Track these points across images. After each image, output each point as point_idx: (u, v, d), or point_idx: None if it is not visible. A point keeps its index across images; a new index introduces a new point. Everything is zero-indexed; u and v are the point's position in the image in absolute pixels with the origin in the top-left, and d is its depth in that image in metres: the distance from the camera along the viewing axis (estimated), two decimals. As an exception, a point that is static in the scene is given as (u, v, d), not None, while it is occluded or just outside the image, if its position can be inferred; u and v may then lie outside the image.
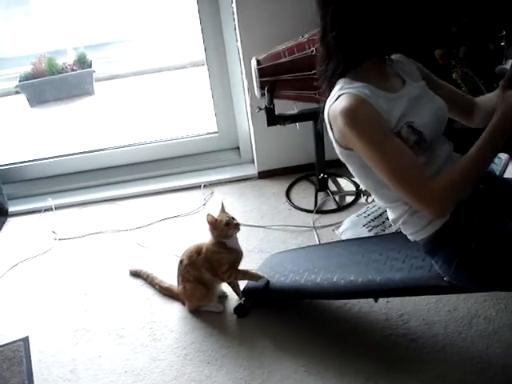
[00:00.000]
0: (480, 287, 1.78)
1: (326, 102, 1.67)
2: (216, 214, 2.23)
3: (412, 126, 1.58)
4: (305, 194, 3.07)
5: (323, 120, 1.69)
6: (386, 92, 1.61)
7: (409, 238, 1.77)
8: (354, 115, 1.53)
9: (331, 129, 1.65)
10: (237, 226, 2.22)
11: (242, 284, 2.33)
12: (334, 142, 1.67)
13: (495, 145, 1.54)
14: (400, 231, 2.47)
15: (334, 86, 1.64)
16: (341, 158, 1.71)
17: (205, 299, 2.30)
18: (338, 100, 1.58)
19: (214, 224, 2.18)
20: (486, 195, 1.69)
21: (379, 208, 2.69)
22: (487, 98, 1.81)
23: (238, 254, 2.26)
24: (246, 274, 2.28)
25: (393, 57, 1.75)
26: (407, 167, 1.54)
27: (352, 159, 1.67)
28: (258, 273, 2.27)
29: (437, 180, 1.54)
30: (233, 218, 2.22)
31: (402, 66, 1.75)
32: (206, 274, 2.25)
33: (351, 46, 1.59)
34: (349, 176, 3.12)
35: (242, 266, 2.29)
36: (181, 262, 2.31)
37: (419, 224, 1.69)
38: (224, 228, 2.18)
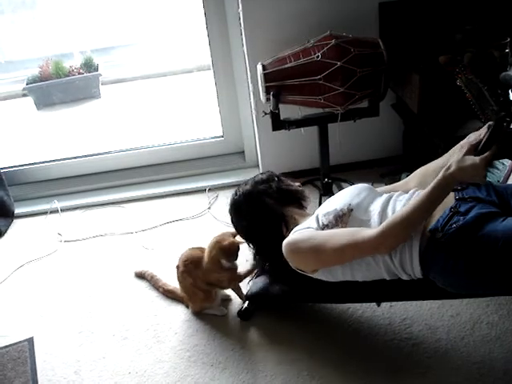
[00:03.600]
0: (479, 290, 1.81)
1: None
2: (220, 232, 2.31)
3: (327, 213, 1.93)
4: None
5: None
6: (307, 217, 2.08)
7: (417, 273, 1.80)
8: (286, 245, 1.95)
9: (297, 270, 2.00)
10: (237, 256, 2.26)
11: (245, 288, 2.35)
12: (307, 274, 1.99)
13: (435, 200, 1.68)
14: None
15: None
16: (320, 278, 1.97)
17: (207, 301, 2.31)
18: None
19: (228, 249, 2.21)
20: (466, 201, 1.77)
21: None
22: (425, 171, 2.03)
23: (234, 271, 2.29)
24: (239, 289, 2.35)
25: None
26: (341, 238, 1.79)
27: (324, 274, 1.94)
28: (238, 303, 2.36)
29: (377, 229, 1.73)
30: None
31: None
32: (203, 285, 2.27)
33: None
34: (353, 181, 3.13)
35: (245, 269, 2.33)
36: (177, 267, 2.33)
37: (405, 256, 1.77)
38: (232, 254, 2.22)
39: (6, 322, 2.48)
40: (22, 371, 2.19)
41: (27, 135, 4.59)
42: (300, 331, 2.21)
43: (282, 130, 2.75)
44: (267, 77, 2.56)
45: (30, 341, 2.34)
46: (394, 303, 2.26)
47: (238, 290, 2.35)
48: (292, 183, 2.27)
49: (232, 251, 2.21)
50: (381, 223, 1.76)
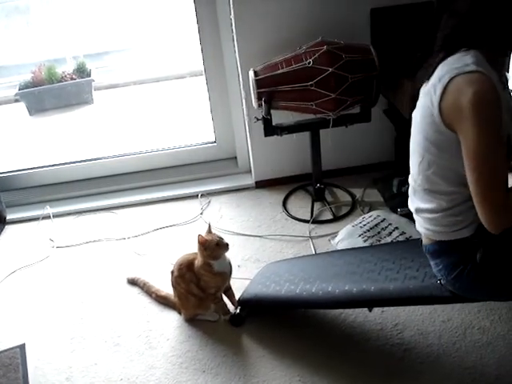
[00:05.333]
0: (475, 296, 1.79)
1: (439, 62, 1.58)
2: (203, 233, 2.23)
3: (509, 139, 1.53)
4: (301, 204, 3.09)
5: (430, 77, 1.57)
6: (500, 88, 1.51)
7: (423, 231, 1.72)
8: (487, 102, 1.43)
9: (442, 94, 1.50)
10: (226, 246, 2.22)
11: (238, 293, 2.35)
12: (435, 109, 1.52)
13: None
14: (395, 241, 2.48)
15: (458, 51, 1.54)
16: (426, 127, 1.57)
17: (200, 308, 2.31)
18: (473, 74, 1.45)
19: (205, 244, 2.18)
20: None
21: (375, 218, 2.71)
22: None
23: (225, 277, 2.27)
24: (220, 305, 2.31)
25: None
26: (500, 172, 1.47)
27: (441, 137, 1.54)
28: (231, 309, 2.33)
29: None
30: (221, 238, 2.22)
31: None
32: (195, 289, 2.25)
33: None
34: (345, 186, 3.14)
35: (240, 275, 2.33)
36: (172, 272, 2.32)
37: (454, 226, 1.64)
38: (215, 248, 2.18)
39: (-2, 328, 2.48)
40: (13, 378, 2.17)
41: (19, 141, 4.58)
42: (292, 337, 2.21)
43: (274, 136, 2.76)
44: (259, 83, 2.57)
45: (22, 347, 2.33)
46: (385, 308, 2.26)
47: (230, 296, 2.35)
48: None
49: (208, 244, 2.17)
50: None
